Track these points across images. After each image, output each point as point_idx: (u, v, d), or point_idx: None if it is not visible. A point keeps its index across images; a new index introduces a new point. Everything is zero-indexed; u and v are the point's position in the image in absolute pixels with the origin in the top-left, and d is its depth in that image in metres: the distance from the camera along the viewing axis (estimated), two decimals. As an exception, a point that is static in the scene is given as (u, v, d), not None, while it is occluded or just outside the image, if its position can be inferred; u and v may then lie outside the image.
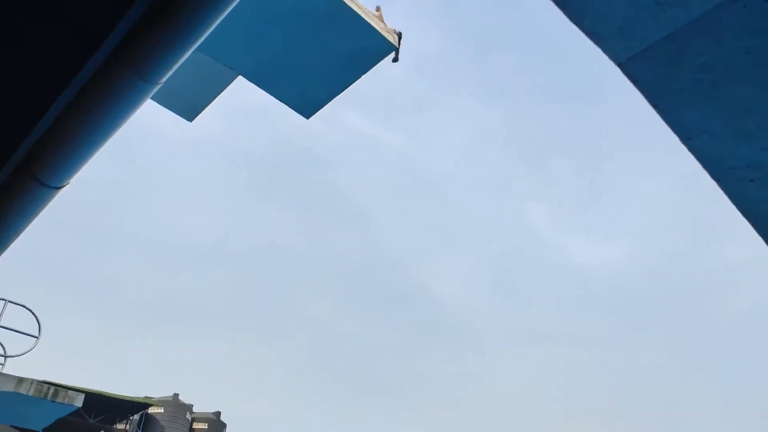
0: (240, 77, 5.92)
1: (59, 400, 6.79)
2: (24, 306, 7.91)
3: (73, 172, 2.64)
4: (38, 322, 7.99)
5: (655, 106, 1.88)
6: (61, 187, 2.70)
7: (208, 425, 35.07)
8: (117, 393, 24.20)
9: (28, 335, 7.94)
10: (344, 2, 4.92)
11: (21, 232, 3.06)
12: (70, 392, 7.04)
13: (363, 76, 5.85)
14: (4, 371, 7.19)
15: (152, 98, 5.66)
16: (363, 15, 5.11)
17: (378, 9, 5.45)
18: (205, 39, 2.62)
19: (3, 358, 7.60)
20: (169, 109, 7.00)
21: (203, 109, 7.14)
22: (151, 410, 28.72)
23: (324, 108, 6.41)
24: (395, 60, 5.79)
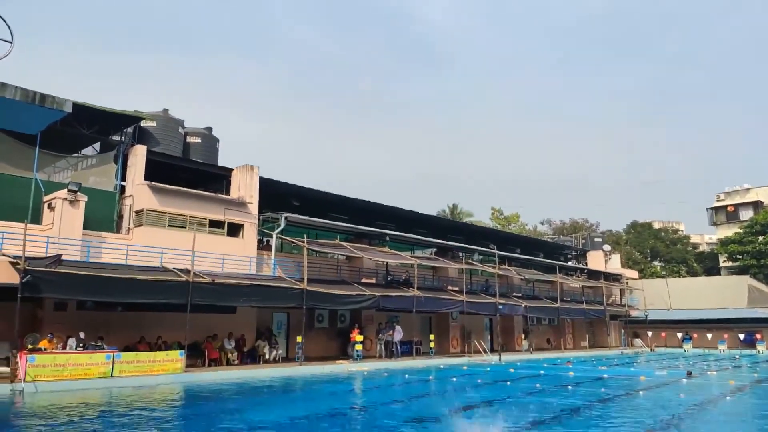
0: None
1: (47, 105, 6.64)
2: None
3: None
4: (9, 27, 7.38)
5: None
6: None
7: (201, 139, 36.32)
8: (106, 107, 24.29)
9: (1, 40, 7.39)
10: None
11: None
12: (57, 98, 6.86)
13: None
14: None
15: None
16: None
17: None
18: None
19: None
20: None
21: None
22: (143, 123, 29.26)
23: None
24: None
